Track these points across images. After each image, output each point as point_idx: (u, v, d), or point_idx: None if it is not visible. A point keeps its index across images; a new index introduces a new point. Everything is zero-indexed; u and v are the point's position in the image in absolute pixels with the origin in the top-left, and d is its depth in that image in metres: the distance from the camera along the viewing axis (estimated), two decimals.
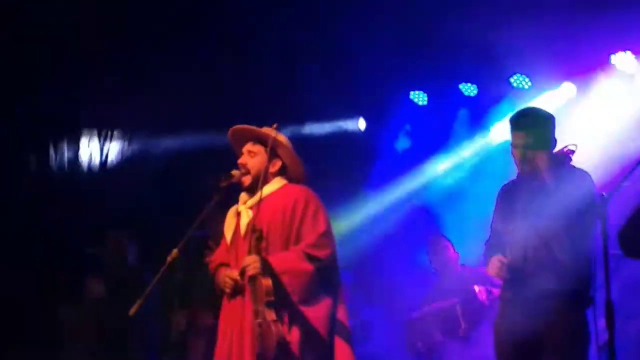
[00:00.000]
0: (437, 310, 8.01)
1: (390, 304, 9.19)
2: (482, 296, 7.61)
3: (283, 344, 5.25)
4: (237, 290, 5.46)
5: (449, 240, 8.41)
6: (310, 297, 5.41)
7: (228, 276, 5.47)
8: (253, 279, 5.33)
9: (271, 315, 5.25)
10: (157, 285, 5.52)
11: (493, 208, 5.66)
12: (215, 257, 5.76)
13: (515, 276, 5.37)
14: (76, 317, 7.57)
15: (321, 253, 5.47)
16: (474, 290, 7.70)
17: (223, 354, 5.49)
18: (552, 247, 5.28)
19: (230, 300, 5.53)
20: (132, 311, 5.23)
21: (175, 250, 5.31)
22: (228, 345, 5.46)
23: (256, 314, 5.28)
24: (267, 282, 5.29)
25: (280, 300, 5.31)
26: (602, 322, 4.69)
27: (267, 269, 5.34)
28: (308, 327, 5.38)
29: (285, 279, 5.35)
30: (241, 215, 5.63)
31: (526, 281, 5.32)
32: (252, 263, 5.35)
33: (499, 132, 8.96)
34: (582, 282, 5.29)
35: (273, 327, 5.22)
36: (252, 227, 5.43)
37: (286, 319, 5.36)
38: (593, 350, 5.39)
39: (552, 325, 5.22)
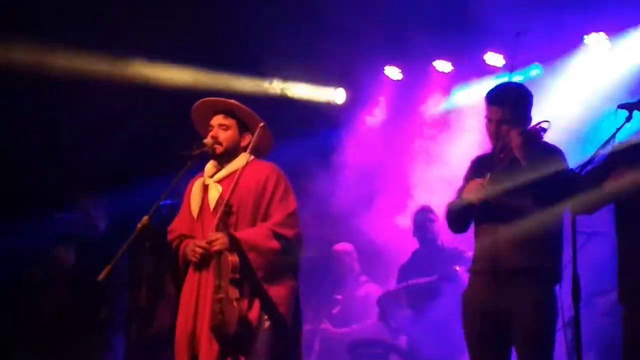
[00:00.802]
0: (415, 285, 8.04)
1: (372, 269, 9.21)
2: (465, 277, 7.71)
3: (244, 322, 5.26)
4: (204, 263, 5.46)
5: (435, 215, 8.30)
6: (274, 276, 5.44)
7: (197, 245, 5.46)
8: (219, 254, 5.34)
9: (234, 292, 5.27)
10: (126, 253, 5.50)
11: (463, 175, 5.67)
12: (176, 226, 5.73)
13: (484, 248, 5.41)
14: (45, 280, 7.56)
15: (288, 232, 5.50)
16: (455, 269, 7.74)
17: (184, 327, 5.49)
18: (523, 222, 5.30)
19: (195, 272, 5.53)
20: (101, 276, 5.22)
21: (145, 217, 5.29)
22: (190, 319, 5.46)
23: (218, 289, 5.30)
24: (234, 258, 5.30)
25: (244, 277, 5.32)
26: (568, 299, 4.75)
27: (234, 245, 5.35)
28: (270, 305, 5.40)
29: (251, 256, 5.36)
30: (209, 188, 5.61)
31: (495, 254, 5.35)
32: (219, 238, 5.35)
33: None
34: (551, 258, 5.32)
35: (235, 305, 5.24)
36: (223, 201, 5.43)
37: (247, 295, 5.38)
38: (559, 326, 5.45)
39: (520, 300, 5.24)
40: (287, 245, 5.48)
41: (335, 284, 9.12)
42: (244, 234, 5.42)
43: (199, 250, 5.44)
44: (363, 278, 9.08)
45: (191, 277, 5.54)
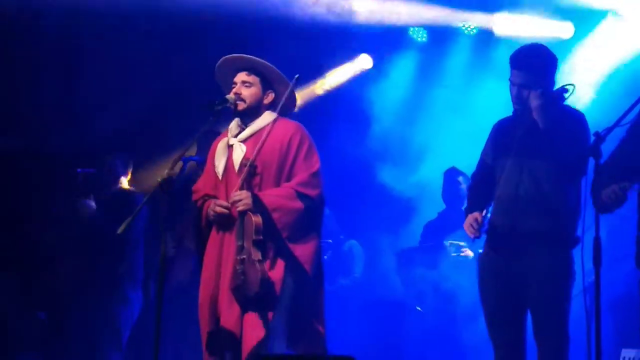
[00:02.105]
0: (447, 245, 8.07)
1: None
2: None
3: (265, 283, 5.26)
4: (226, 223, 5.46)
5: (463, 176, 8.26)
6: (298, 235, 5.44)
7: (220, 205, 5.45)
8: (242, 214, 5.33)
9: (257, 254, 5.28)
10: (146, 207, 5.51)
11: (486, 140, 5.64)
12: (200, 186, 5.72)
13: (502, 211, 5.38)
14: (60, 237, 7.59)
15: (312, 192, 5.49)
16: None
17: (207, 288, 5.51)
18: (543, 186, 5.28)
19: (218, 233, 5.52)
20: (120, 229, 5.23)
21: (166, 172, 5.29)
22: (212, 280, 5.48)
23: (240, 250, 5.30)
24: (257, 219, 5.30)
25: (268, 237, 5.32)
26: (589, 264, 4.72)
27: (258, 205, 5.34)
28: (294, 265, 5.41)
29: (275, 216, 5.36)
30: (233, 148, 5.59)
31: (513, 217, 5.33)
32: (243, 199, 5.34)
33: None
34: (570, 222, 5.32)
35: (257, 266, 5.24)
36: (247, 161, 5.41)
37: (271, 256, 5.38)
38: (578, 290, 5.43)
39: (536, 263, 5.24)
40: (310, 205, 5.47)
41: None
42: (268, 194, 5.41)
43: (220, 209, 5.43)
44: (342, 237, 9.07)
45: (214, 237, 5.55)
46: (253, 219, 5.30)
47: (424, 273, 8.01)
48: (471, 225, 5.36)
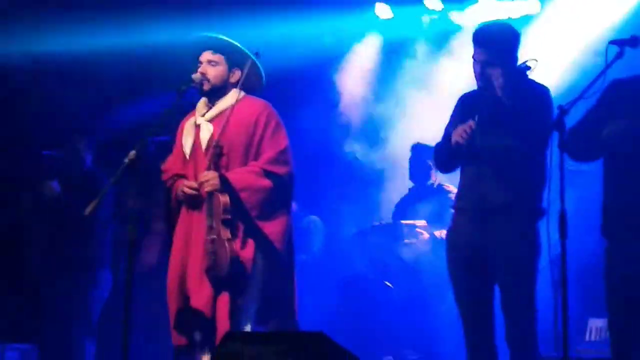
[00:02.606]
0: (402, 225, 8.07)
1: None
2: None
3: (236, 262, 5.27)
4: (195, 204, 5.45)
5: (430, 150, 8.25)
6: (267, 213, 5.46)
7: (188, 186, 5.45)
8: (211, 195, 5.33)
9: (226, 233, 5.29)
10: (113, 188, 5.50)
11: (451, 113, 5.66)
12: (169, 166, 5.72)
13: (468, 186, 5.41)
14: (27, 220, 7.56)
15: (280, 169, 5.51)
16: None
17: (175, 268, 5.51)
18: (508, 159, 5.31)
19: (187, 213, 5.52)
20: (87, 210, 5.21)
21: (132, 152, 5.27)
22: (182, 259, 5.48)
23: (210, 229, 5.31)
24: (225, 199, 5.30)
25: (237, 217, 5.32)
26: (555, 236, 4.77)
27: (225, 185, 5.34)
28: (264, 243, 5.42)
29: (243, 195, 5.37)
30: (201, 128, 5.59)
31: (479, 191, 5.36)
32: (210, 179, 5.34)
33: None
34: (535, 194, 5.35)
35: (227, 245, 5.25)
36: (214, 142, 5.41)
37: (241, 235, 5.38)
38: (545, 262, 5.48)
39: (503, 236, 5.28)
40: (279, 183, 5.49)
41: None
42: (235, 173, 5.42)
43: (188, 190, 5.42)
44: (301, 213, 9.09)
45: (183, 217, 5.56)
46: (221, 198, 5.30)
47: (388, 250, 8.01)
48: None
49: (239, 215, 5.38)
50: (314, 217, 9.03)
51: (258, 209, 5.41)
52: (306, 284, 7.82)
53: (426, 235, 7.89)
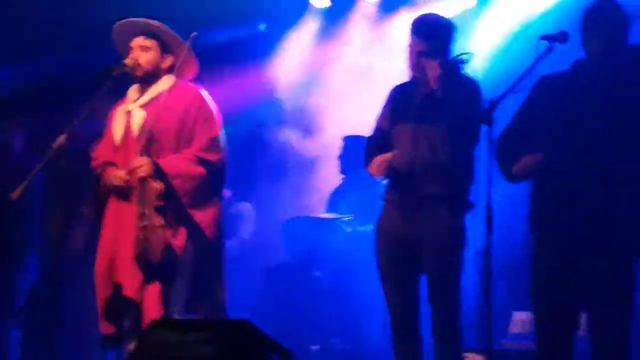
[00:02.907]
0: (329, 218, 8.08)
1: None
2: None
3: (168, 249, 5.26)
4: (126, 191, 5.42)
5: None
6: (199, 201, 5.44)
7: (118, 176, 5.41)
8: (143, 181, 5.29)
9: (159, 220, 5.26)
10: (42, 173, 5.44)
11: (382, 104, 5.69)
12: (99, 153, 5.67)
13: (399, 177, 5.45)
14: None
15: (213, 157, 5.48)
16: None
17: (105, 255, 5.47)
18: (438, 152, 5.36)
19: (117, 200, 5.48)
20: (15, 195, 5.16)
21: (61, 137, 5.22)
22: (111, 246, 5.44)
23: (142, 217, 5.28)
24: (158, 185, 5.28)
25: (169, 204, 5.30)
26: (483, 230, 4.82)
27: (158, 172, 5.31)
28: (196, 230, 5.41)
29: (176, 183, 5.34)
30: (132, 114, 5.54)
31: (409, 183, 5.40)
32: (143, 165, 5.30)
33: None
34: (463, 187, 5.42)
35: (159, 232, 5.23)
36: (146, 128, 5.37)
37: (172, 222, 5.36)
38: (472, 255, 5.55)
39: (430, 227, 5.32)
40: (212, 170, 5.47)
41: None
42: (168, 160, 5.38)
43: (118, 181, 5.39)
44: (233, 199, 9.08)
45: (113, 204, 5.51)
46: (154, 185, 5.27)
47: (315, 241, 8.03)
48: (380, 164, 5.37)
49: (171, 203, 5.35)
50: (245, 204, 9.02)
51: (190, 196, 5.39)
52: (235, 271, 7.86)
53: (349, 229, 7.92)
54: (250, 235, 8.96)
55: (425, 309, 5.41)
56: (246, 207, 9.00)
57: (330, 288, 7.89)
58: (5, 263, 7.14)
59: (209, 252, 5.51)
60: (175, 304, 5.38)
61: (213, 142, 5.51)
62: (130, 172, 5.35)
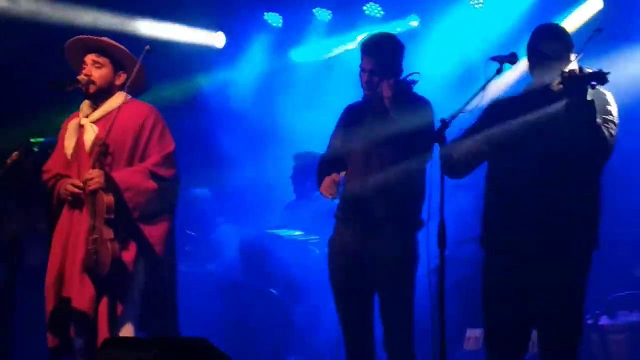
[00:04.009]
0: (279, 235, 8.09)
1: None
2: None
3: (117, 263, 5.24)
4: (78, 202, 5.40)
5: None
6: (150, 216, 5.43)
7: (72, 184, 5.39)
8: (94, 193, 5.28)
9: (109, 233, 5.23)
10: None
11: (335, 124, 5.73)
12: (51, 166, 5.65)
13: (350, 196, 5.48)
14: None
15: (166, 172, 5.49)
16: None
17: (55, 264, 5.45)
18: (390, 171, 5.40)
19: (69, 211, 5.46)
20: None
21: (15, 153, 5.21)
22: (61, 258, 5.42)
23: (92, 229, 5.26)
24: (109, 198, 5.26)
25: (119, 217, 5.29)
26: (434, 247, 4.86)
27: (110, 184, 5.30)
28: (145, 246, 5.40)
29: (127, 195, 5.33)
30: (85, 129, 5.53)
31: (360, 203, 5.45)
32: (95, 177, 5.29)
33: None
34: (415, 206, 5.46)
35: (109, 245, 5.21)
36: (99, 141, 5.36)
37: (123, 236, 5.35)
38: (424, 272, 5.58)
39: (382, 246, 5.37)
40: (164, 186, 5.47)
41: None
42: (121, 173, 5.38)
43: (72, 188, 5.37)
44: (219, 219, 9.06)
45: (65, 216, 5.49)
46: (105, 197, 5.26)
47: (267, 258, 8.02)
48: (329, 186, 5.41)
49: (122, 216, 5.34)
50: (228, 227, 8.92)
51: (140, 210, 5.38)
52: (189, 289, 7.84)
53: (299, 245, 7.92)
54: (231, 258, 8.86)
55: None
56: (229, 232, 8.88)
57: (286, 306, 7.89)
58: None
59: (160, 268, 5.49)
60: (127, 320, 5.35)
61: (167, 159, 5.53)
62: (83, 183, 5.33)
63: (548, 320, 4.89)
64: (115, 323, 5.29)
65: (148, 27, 8.51)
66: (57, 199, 5.53)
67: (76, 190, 5.37)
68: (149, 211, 5.42)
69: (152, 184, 5.42)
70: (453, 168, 5.04)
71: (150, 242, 5.39)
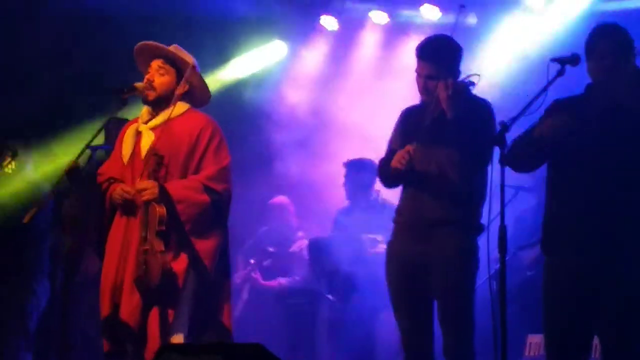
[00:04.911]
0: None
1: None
2: None
3: (168, 274, 5.24)
4: (130, 209, 5.41)
5: (365, 163, 8.04)
6: (202, 229, 5.42)
7: (125, 191, 5.40)
8: (147, 204, 5.28)
9: (159, 245, 5.24)
10: (53, 196, 5.45)
11: (393, 127, 5.68)
12: (105, 169, 5.67)
13: (409, 200, 5.43)
14: None
15: (220, 186, 5.47)
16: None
17: (108, 274, 5.45)
18: (449, 175, 5.34)
19: (121, 218, 5.47)
20: (26, 218, 5.16)
21: (71, 161, 5.23)
22: (114, 267, 5.42)
23: (143, 240, 5.26)
24: (162, 210, 5.25)
25: (171, 230, 5.28)
26: (495, 253, 4.79)
27: (163, 196, 5.30)
28: (195, 259, 5.39)
29: (180, 208, 5.33)
30: (142, 135, 5.54)
31: (420, 205, 5.38)
32: (149, 188, 5.29)
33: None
34: (475, 210, 5.39)
35: (159, 258, 5.20)
36: (154, 151, 5.36)
37: (174, 247, 5.34)
38: (484, 277, 5.52)
39: (441, 252, 5.30)
40: (217, 200, 5.46)
41: (269, 236, 9.07)
42: (174, 185, 5.38)
43: (124, 194, 5.38)
44: (300, 234, 9.02)
45: (117, 223, 5.50)
46: (157, 209, 5.25)
47: (335, 263, 7.97)
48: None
49: (174, 228, 5.33)
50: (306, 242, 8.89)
51: (192, 223, 5.36)
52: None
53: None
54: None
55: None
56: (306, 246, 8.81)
57: (344, 312, 7.84)
58: (15, 289, 7.12)
59: (208, 282, 5.47)
60: (177, 330, 5.35)
61: (221, 172, 5.51)
62: (137, 193, 5.33)
63: (612, 327, 4.80)
64: (166, 332, 5.29)
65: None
66: (110, 203, 5.54)
67: (127, 196, 5.37)
68: (200, 225, 5.41)
69: (205, 197, 5.41)
70: (517, 158, 4.96)
71: (200, 255, 5.37)
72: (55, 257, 7.26)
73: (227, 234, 5.58)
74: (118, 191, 5.43)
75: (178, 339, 5.33)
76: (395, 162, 5.35)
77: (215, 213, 5.48)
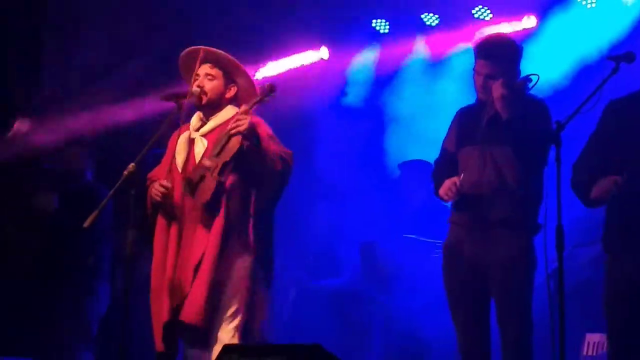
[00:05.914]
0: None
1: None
2: None
3: (219, 188, 5.25)
4: (171, 207, 5.42)
5: (421, 164, 8.10)
6: (267, 194, 5.43)
7: (161, 185, 5.41)
8: (231, 136, 5.25)
9: (220, 174, 5.25)
10: (113, 200, 5.50)
11: (448, 127, 5.69)
12: (154, 175, 5.68)
13: (465, 200, 5.43)
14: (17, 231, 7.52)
15: (289, 158, 5.42)
16: None
17: (161, 274, 5.43)
18: (505, 174, 5.33)
19: (163, 217, 5.48)
20: (86, 223, 5.21)
21: (132, 165, 5.28)
22: (168, 266, 5.39)
23: (209, 170, 5.27)
24: (244, 143, 5.22)
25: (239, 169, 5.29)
26: (552, 252, 4.79)
27: (251, 136, 5.24)
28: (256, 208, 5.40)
29: (265, 144, 5.29)
30: (195, 142, 5.56)
31: (476, 205, 5.39)
32: (243, 120, 5.23)
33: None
34: (532, 209, 5.39)
35: (217, 179, 5.23)
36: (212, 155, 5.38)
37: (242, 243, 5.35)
38: (542, 277, 5.50)
39: (499, 251, 5.31)
40: (284, 172, 5.39)
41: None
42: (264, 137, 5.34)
43: (161, 189, 5.39)
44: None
45: (161, 223, 5.50)
46: (241, 141, 5.22)
47: (389, 265, 7.97)
48: (449, 189, 5.35)
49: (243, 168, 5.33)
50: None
51: (259, 177, 5.35)
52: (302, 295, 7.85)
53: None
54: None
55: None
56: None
57: (397, 314, 7.84)
58: (78, 292, 7.21)
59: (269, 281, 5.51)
60: (235, 330, 5.34)
61: (284, 152, 5.44)
62: (234, 121, 5.27)
63: None
64: (226, 331, 5.30)
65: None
66: (151, 203, 5.54)
67: (163, 190, 5.37)
68: (266, 183, 5.40)
69: (279, 163, 5.35)
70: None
71: (256, 208, 5.39)
72: (115, 259, 7.36)
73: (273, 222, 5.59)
74: (156, 186, 5.42)
75: (233, 339, 5.31)
76: (442, 194, 5.39)
77: (280, 180, 5.43)
